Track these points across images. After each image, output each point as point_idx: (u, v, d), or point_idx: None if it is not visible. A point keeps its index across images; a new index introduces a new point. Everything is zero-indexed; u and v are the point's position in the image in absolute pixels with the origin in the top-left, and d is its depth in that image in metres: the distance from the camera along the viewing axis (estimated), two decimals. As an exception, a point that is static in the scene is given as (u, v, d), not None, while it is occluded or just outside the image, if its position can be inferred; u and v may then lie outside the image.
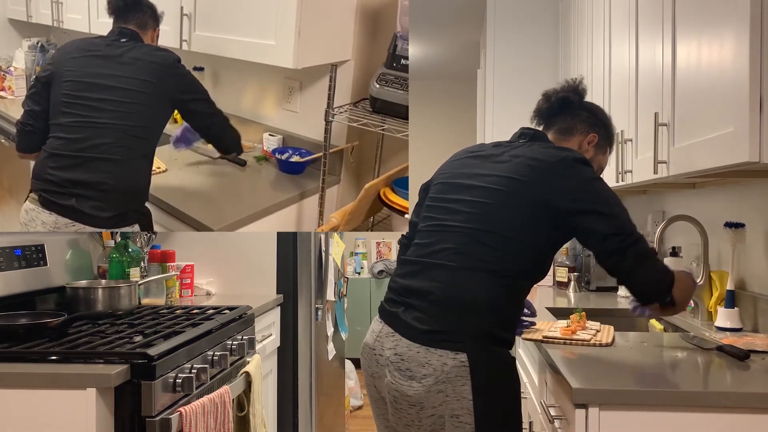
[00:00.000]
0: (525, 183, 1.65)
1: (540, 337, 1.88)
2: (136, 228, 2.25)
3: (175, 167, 2.86)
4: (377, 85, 2.48)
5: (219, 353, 2.00)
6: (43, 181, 2.17)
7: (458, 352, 1.57)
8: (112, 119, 2.15)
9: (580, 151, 1.86)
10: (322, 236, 3.14)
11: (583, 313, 2.06)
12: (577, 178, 1.64)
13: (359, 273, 6.21)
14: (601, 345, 1.82)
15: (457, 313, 1.61)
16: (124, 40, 2.31)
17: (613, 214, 1.63)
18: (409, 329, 1.63)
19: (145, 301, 2.49)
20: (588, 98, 1.98)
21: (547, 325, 2.05)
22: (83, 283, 2.32)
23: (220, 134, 2.47)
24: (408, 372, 1.60)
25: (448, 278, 1.64)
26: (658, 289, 1.66)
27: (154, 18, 2.44)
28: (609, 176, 2.58)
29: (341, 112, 2.58)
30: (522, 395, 2.46)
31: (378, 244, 6.51)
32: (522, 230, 1.64)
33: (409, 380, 1.60)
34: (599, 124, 1.91)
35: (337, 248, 3.34)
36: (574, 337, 1.86)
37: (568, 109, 1.90)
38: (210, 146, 3.06)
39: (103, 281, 2.41)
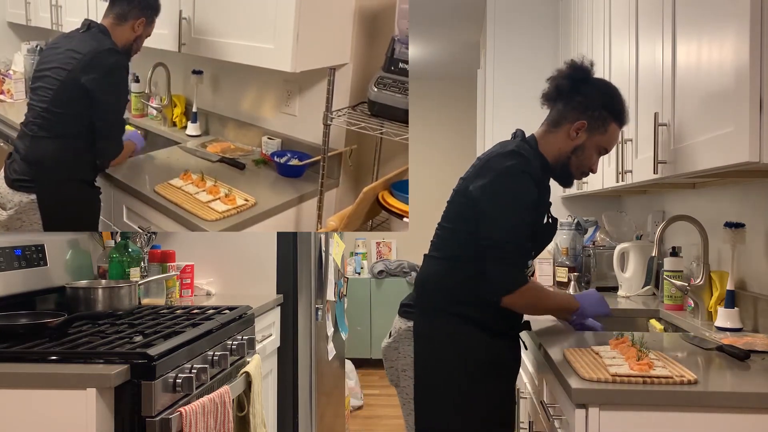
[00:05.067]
0: (464, 179, 1.97)
1: (609, 377, 1.47)
2: (33, 197, 2.43)
3: (174, 169, 2.86)
4: (375, 89, 2.48)
5: (219, 353, 2.00)
6: None
7: (409, 320, 2.01)
8: (37, 102, 2.44)
9: (569, 139, 1.96)
10: (322, 236, 3.14)
11: (625, 336, 1.74)
12: (492, 172, 1.87)
13: (359, 273, 6.21)
14: (689, 383, 1.44)
15: (417, 291, 2.02)
16: (82, 31, 2.47)
17: (492, 217, 1.84)
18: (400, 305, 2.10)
19: (145, 301, 2.49)
20: None
21: (592, 355, 1.67)
22: (83, 283, 2.32)
23: (102, 139, 2.49)
24: (389, 334, 2.09)
25: (422, 265, 2.05)
26: (493, 291, 1.86)
27: (140, 8, 2.52)
28: (609, 176, 2.58)
29: (340, 116, 2.57)
30: (522, 395, 2.47)
31: (378, 244, 6.51)
32: (457, 220, 1.95)
33: (386, 338, 2.10)
34: (592, 107, 1.95)
35: (337, 248, 3.34)
36: (653, 373, 1.47)
37: (563, 96, 1.98)
38: (209, 149, 3.07)
39: (103, 281, 2.41)
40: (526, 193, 1.85)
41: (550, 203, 2.05)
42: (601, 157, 2.78)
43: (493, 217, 1.84)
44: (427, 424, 1.95)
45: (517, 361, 2.04)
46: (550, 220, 2.05)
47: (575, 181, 3.20)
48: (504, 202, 1.84)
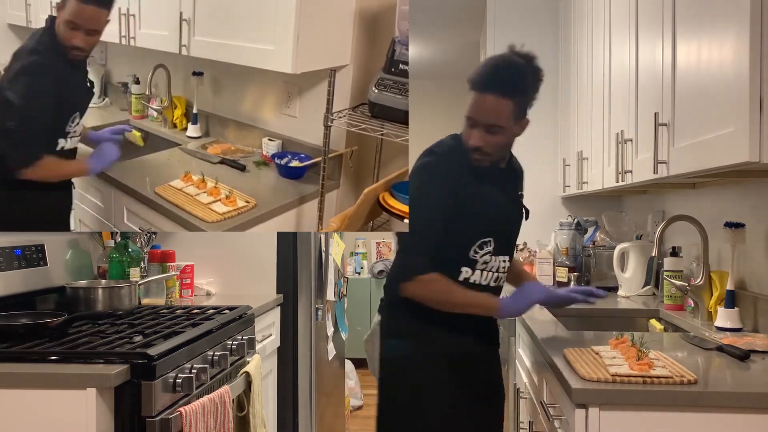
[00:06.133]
0: None
1: (609, 377, 1.46)
2: None
3: (175, 171, 2.85)
4: (376, 90, 2.48)
5: (219, 353, 2.00)
6: None
7: (380, 315, 2.14)
8: None
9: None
10: (322, 236, 3.14)
11: (625, 336, 1.73)
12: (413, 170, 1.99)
13: (359, 273, 6.21)
14: (689, 383, 1.44)
15: (386, 286, 2.09)
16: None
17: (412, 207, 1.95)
18: None
19: (145, 301, 2.49)
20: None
21: (592, 355, 1.67)
22: (83, 283, 2.32)
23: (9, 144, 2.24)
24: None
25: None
26: (393, 278, 2.01)
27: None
28: (609, 176, 2.58)
29: (340, 117, 2.57)
30: (522, 395, 2.47)
31: (378, 244, 6.51)
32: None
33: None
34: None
35: (337, 248, 3.34)
36: (653, 373, 1.47)
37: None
38: (210, 150, 3.07)
39: (103, 281, 2.41)
40: (429, 188, 1.93)
41: (502, 195, 2.01)
42: (600, 157, 2.80)
43: (410, 215, 1.97)
44: (390, 419, 2.02)
45: (484, 354, 2.04)
46: (493, 207, 1.98)
47: (577, 182, 3.17)
48: (414, 199, 1.94)
